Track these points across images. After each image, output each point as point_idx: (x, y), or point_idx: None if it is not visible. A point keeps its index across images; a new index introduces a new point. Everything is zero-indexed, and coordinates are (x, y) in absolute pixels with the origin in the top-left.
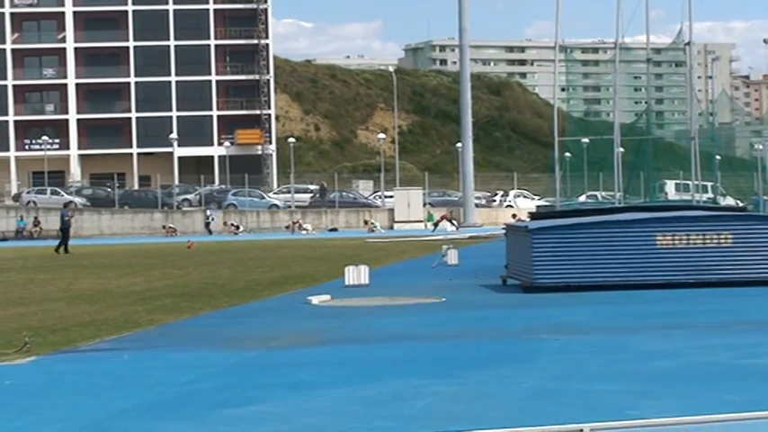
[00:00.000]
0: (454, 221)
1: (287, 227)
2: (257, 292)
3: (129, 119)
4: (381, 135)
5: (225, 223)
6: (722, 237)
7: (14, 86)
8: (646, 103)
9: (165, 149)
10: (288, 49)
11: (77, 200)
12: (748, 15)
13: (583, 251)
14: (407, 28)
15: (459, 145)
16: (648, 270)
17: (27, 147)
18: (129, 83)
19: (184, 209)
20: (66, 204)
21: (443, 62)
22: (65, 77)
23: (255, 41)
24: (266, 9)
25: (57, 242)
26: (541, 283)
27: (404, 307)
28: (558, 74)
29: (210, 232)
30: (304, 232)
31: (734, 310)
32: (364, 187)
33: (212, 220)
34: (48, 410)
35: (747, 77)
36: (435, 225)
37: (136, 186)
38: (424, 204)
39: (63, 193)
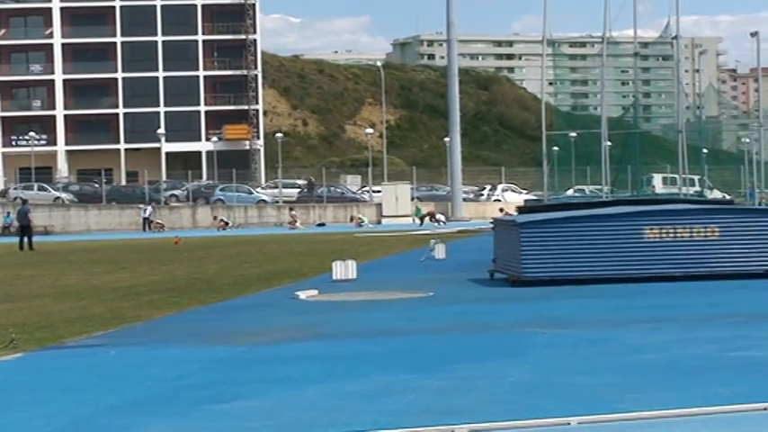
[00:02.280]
0: (440, 217)
1: (289, 223)
2: (244, 287)
3: (117, 114)
4: (369, 130)
5: (215, 218)
6: (709, 230)
7: (1, 82)
8: (633, 96)
9: (153, 145)
10: (275, 45)
11: (64, 195)
12: (735, 9)
13: (571, 245)
14: (395, 23)
15: (446, 139)
16: (636, 263)
17: (14, 143)
18: (116, 78)
19: (172, 204)
20: (25, 201)
21: (431, 57)
22: (52, 73)
23: (243, 37)
24: (254, 4)
25: (43, 238)
26: (529, 277)
27: (391, 301)
28: (545, 68)
29: (147, 229)
30: (295, 226)
31: (721, 302)
32: (352, 182)
33: (149, 215)
34: (34, 407)
35: (734, 71)
36: (422, 220)
37: (123, 182)
38: (412, 199)
39: (50, 188)
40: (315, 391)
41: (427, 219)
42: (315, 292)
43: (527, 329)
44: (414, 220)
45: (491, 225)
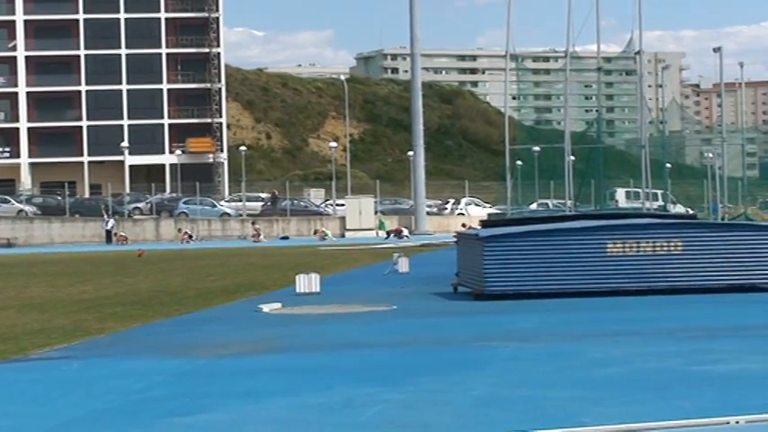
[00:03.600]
0: (405, 233)
1: (252, 236)
2: (208, 300)
3: (80, 127)
4: (333, 143)
5: (179, 230)
6: (672, 244)
7: None
8: (596, 111)
9: (117, 158)
10: (239, 58)
11: (28, 208)
12: (697, 25)
13: (534, 259)
14: (359, 36)
15: (410, 153)
16: (599, 278)
17: None
18: (80, 91)
19: (136, 217)
20: None
21: (395, 71)
22: (15, 86)
23: (207, 50)
24: (218, 18)
25: (6, 251)
26: (492, 291)
27: (355, 315)
28: (509, 82)
29: (110, 241)
30: (259, 240)
31: (684, 317)
32: (316, 195)
33: (111, 228)
34: None
35: (697, 86)
36: (388, 234)
37: (87, 195)
38: (376, 212)
39: (13, 201)
40: (279, 403)
41: (393, 235)
42: (278, 305)
43: (490, 343)
44: (377, 234)
45: (454, 239)
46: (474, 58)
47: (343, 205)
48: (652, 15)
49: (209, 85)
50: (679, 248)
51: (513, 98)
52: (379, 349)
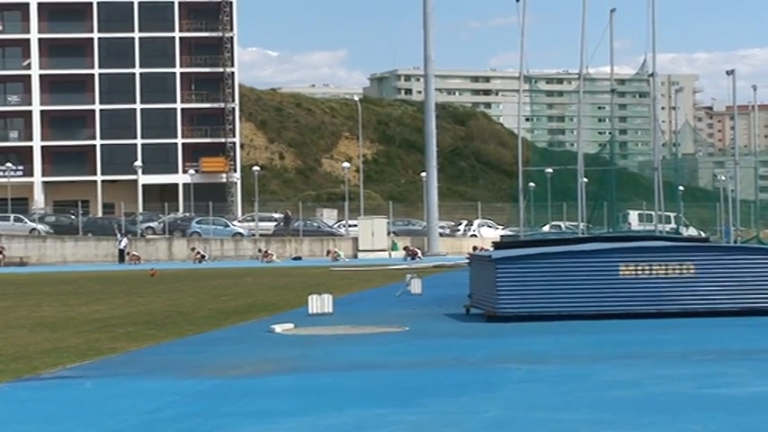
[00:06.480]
0: (419, 254)
1: (264, 256)
2: (221, 320)
3: (94, 146)
4: (346, 164)
5: (193, 249)
6: (684, 267)
7: None
8: (610, 133)
9: (130, 177)
10: (253, 78)
11: (40, 227)
12: (711, 47)
13: (546, 281)
14: (373, 57)
15: (423, 174)
16: (611, 300)
17: None
18: (93, 110)
19: (148, 236)
20: None
21: (408, 91)
22: (29, 104)
23: (221, 69)
24: (232, 37)
25: (19, 270)
26: (505, 313)
27: (367, 336)
28: (522, 104)
29: (123, 260)
30: (271, 260)
31: (696, 340)
32: (328, 216)
33: (124, 247)
34: None
35: (710, 108)
36: (409, 255)
37: (100, 214)
38: (389, 233)
39: (26, 220)
40: (291, 424)
41: (408, 256)
42: (291, 325)
43: (503, 365)
44: (390, 255)
45: (467, 260)
46: (487, 79)
47: (355, 226)
48: (666, 38)
49: (222, 105)
50: (691, 271)
51: (527, 120)
52: (391, 370)
